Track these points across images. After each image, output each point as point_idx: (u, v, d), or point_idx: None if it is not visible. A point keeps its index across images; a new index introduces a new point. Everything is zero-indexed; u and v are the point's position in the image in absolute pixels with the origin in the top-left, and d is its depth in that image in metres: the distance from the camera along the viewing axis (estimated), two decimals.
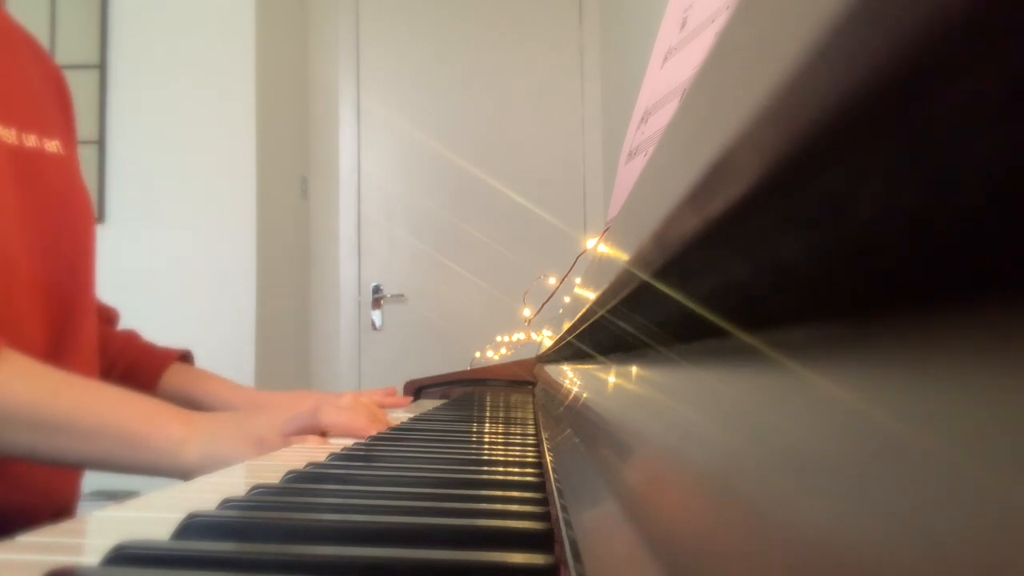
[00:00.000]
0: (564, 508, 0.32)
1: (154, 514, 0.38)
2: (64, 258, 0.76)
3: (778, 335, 0.16)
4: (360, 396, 0.85)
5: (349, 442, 0.62)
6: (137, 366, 0.90)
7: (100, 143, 2.28)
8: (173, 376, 0.91)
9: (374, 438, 0.64)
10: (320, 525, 0.31)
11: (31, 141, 0.75)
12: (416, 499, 0.38)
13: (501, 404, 1.04)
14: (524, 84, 2.98)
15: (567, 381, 0.71)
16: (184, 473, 0.62)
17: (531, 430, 0.71)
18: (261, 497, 0.37)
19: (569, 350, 0.76)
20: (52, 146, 0.78)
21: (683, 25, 0.62)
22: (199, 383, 0.93)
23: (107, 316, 0.95)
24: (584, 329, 0.53)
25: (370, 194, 2.98)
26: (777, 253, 0.15)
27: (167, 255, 2.33)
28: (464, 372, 1.59)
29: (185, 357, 0.95)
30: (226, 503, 0.35)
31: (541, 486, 0.41)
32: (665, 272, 0.22)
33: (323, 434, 0.70)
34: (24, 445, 0.59)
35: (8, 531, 0.32)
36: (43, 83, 0.83)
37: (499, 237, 2.87)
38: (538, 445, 0.59)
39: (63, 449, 0.60)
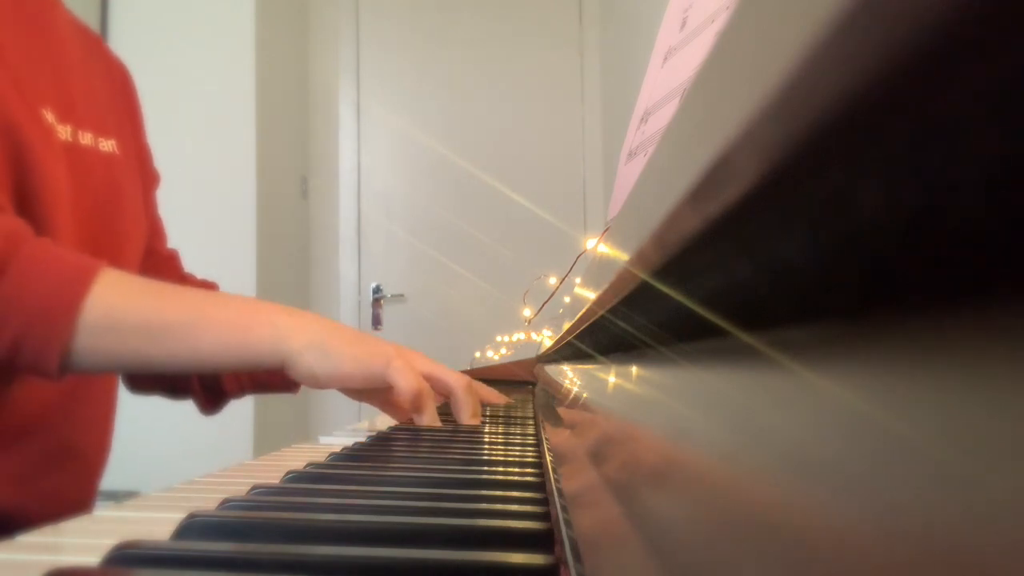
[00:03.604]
0: (564, 508, 0.32)
1: (154, 514, 0.38)
2: (109, 259, 0.76)
3: (778, 335, 0.16)
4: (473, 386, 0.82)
5: (349, 441, 0.62)
6: None
7: None
8: None
9: (373, 438, 0.64)
10: (320, 525, 0.31)
11: (86, 139, 0.75)
12: (416, 499, 0.38)
13: (501, 404, 1.04)
14: (524, 84, 2.98)
15: (567, 381, 0.71)
16: (287, 358, 0.61)
17: (531, 430, 0.71)
18: (261, 497, 0.37)
19: (569, 350, 0.76)
20: (107, 146, 0.78)
21: (683, 25, 0.62)
22: None
23: (211, 288, 0.96)
24: (584, 329, 0.53)
25: (370, 194, 2.99)
26: (777, 253, 0.15)
27: None
28: (464, 372, 1.59)
29: None
30: (226, 503, 0.35)
31: (541, 486, 0.41)
32: (665, 272, 0.22)
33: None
34: (129, 352, 0.59)
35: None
36: (104, 81, 0.83)
37: (499, 237, 2.87)
38: (538, 445, 0.59)
39: (167, 350, 0.59)
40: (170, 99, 2.38)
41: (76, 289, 0.56)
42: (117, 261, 0.77)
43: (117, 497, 0.47)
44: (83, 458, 0.75)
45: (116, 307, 0.58)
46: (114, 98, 0.84)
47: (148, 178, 0.89)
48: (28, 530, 0.33)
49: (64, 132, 0.72)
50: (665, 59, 0.65)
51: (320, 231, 2.99)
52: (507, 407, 0.99)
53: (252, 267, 2.39)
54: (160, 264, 0.91)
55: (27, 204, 0.64)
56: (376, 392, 0.68)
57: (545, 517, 0.33)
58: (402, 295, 2.97)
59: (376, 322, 2.97)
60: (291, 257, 2.80)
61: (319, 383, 0.63)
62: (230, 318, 0.61)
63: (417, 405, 0.67)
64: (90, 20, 2.36)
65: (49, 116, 0.70)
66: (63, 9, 0.79)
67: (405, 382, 0.64)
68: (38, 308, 0.55)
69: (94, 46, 0.85)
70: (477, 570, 0.26)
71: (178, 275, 0.94)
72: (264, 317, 0.62)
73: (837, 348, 0.13)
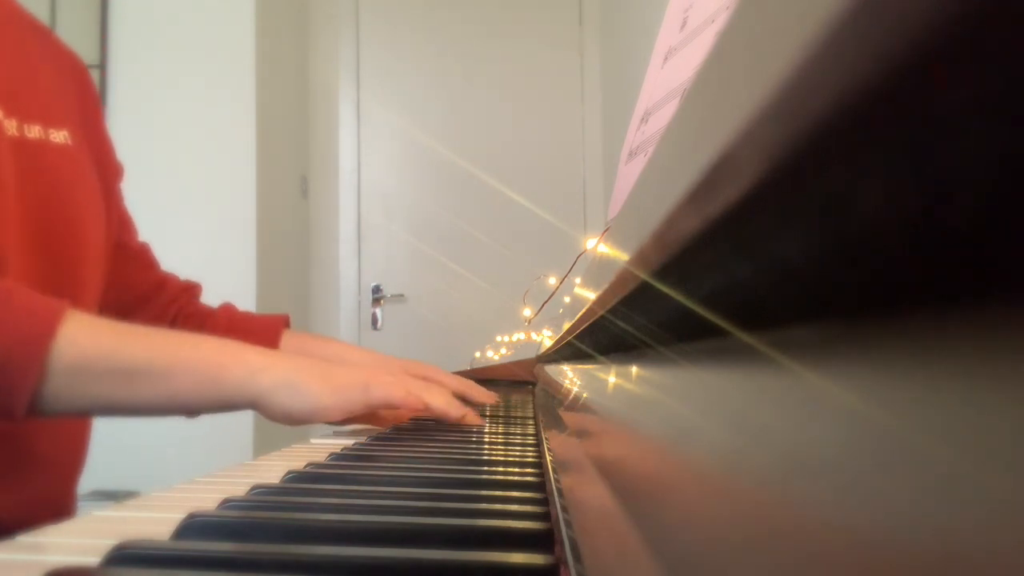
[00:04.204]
0: (564, 508, 0.32)
1: (154, 514, 0.38)
2: (62, 253, 0.74)
3: (778, 335, 0.16)
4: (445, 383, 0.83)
5: (349, 442, 0.62)
6: (249, 339, 0.90)
7: None
8: (291, 343, 0.91)
9: (374, 438, 0.64)
10: (320, 525, 0.31)
11: (34, 132, 0.73)
12: (416, 499, 0.38)
13: (501, 404, 1.04)
14: (524, 84, 2.98)
15: (567, 381, 0.71)
16: (257, 398, 0.60)
17: (531, 430, 0.71)
18: (261, 497, 0.37)
19: (569, 350, 0.76)
20: (59, 137, 0.76)
21: (683, 25, 0.62)
22: (319, 345, 0.92)
23: (195, 292, 0.94)
24: (584, 329, 0.53)
25: (370, 194, 2.99)
26: (777, 253, 0.15)
27: (166, 255, 2.33)
28: (464, 372, 1.59)
29: (287, 323, 0.94)
30: (226, 503, 0.35)
31: (541, 486, 0.41)
32: (665, 272, 0.22)
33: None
34: (99, 396, 0.57)
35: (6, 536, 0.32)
36: (54, 72, 0.81)
37: (499, 237, 2.87)
38: (538, 445, 0.59)
39: (139, 393, 0.58)
40: (170, 99, 2.38)
41: (43, 333, 0.54)
42: (74, 250, 0.75)
43: (117, 497, 0.46)
44: (54, 465, 0.74)
45: (85, 351, 0.56)
46: (64, 89, 0.81)
47: (110, 170, 0.87)
48: (6, 534, 0.33)
49: (10, 127, 0.70)
50: (665, 59, 0.65)
51: (320, 231, 2.99)
52: (507, 407, 0.99)
53: (252, 267, 2.39)
54: (131, 259, 0.90)
55: None
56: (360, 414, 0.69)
57: (545, 517, 0.33)
58: (402, 295, 2.97)
59: (376, 322, 2.97)
60: (291, 257, 2.80)
61: (294, 420, 0.62)
62: (201, 359, 0.60)
63: (428, 402, 0.66)
64: (90, 20, 2.36)
65: None
66: (9, 1, 0.77)
67: (395, 395, 0.64)
68: (3, 352, 0.54)
69: (42, 38, 0.82)
70: (477, 570, 0.26)
71: (152, 270, 0.93)
72: (235, 357, 0.61)
73: (837, 348, 0.13)
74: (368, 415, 0.73)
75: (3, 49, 0.73)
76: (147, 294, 0.91)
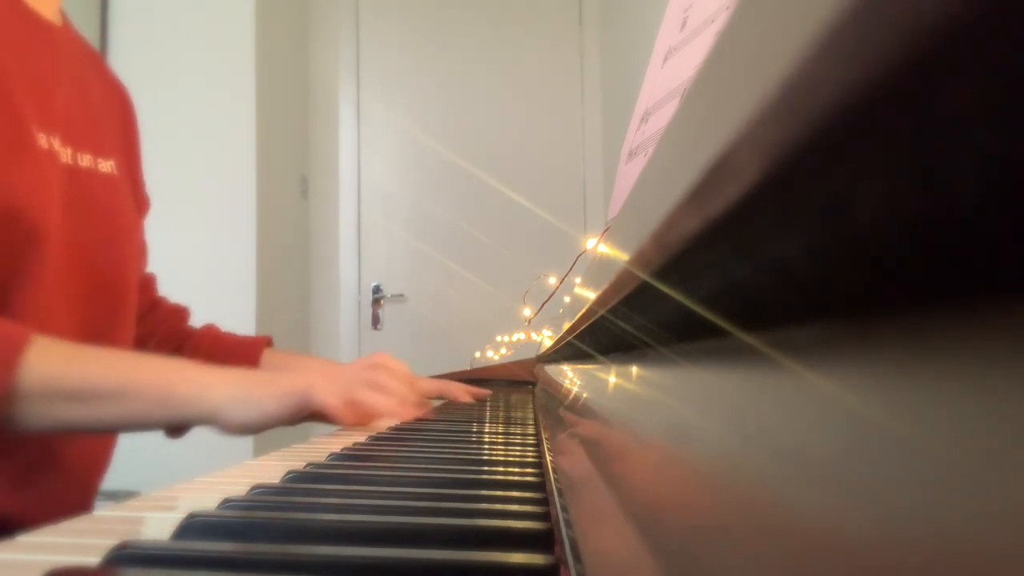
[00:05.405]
0: (564, 508, 0.32)
1: (154, 514, 0.38)
2: (104, 278, 0.77)
3: (778, 335, 0.16)
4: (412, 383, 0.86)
5: (349, 441, 0.62)
6: (233, 358, 0.92)
7: None
8: (271, 361, 0.94)
9: (374, 438, 0.64)
10: (320, 525, 0.31)
11: (86, 161, 0.76)
12: (416, 499, 0.38)
13: (501, 404, 1.04)
14: (524, 84, 2.98)
15: (567, 381, 0.71)
16: (211, 414, 0.63)
17: (531, 430, 0.71)
18: (261, 497, 0.37)
19: (569, 350, 0.76)
20: (106, 166, 0.79)
21: (683, 25, 0.62)
22: (297, 362, 0.96)
23: (182, 315, 0.97)
24: (584, 329, 0.53)
25: (370, 194, 2.99)
26: (777, 253, 0.15)
27: (167, 255, 2.33)
28: (464, 372, 1.59)
29: (270, 343, 0.97)
30: (226, 503, 0.35)
31: (541, 486, 0.41)
32: (665, 272, 0.22)
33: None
34: (62, 417, 0.60)
35: None
36: (104, 101, 0.84)
37: (499, 237, 2.87)
38: (538, 445, 0.60)
39: (99, 414, 0.61)
40: (170, 99, 2.38)
41: (9, 360, 0.57)
42: (116, 277, 0.78)
43: (117, 497, 0.47)
44: (77, 469, 0.75)
45: (48, 376, 0.59)
46: (112, 119, 0.84)
47: (140, 203, 0.90)
48: (26, 531, 0.33)
49: (65, 154, 0.73)
50: (665, 59, 0.65)
51: (320, 231, 2.99)
52: (507, 407, 0.99)
53: (252, 267, 2.39)
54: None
55: (6, 231, 0.65)
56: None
57: (545, 517, 0.33)
58: (402, 295, 2.97)
59: (376, 322, 2.97)
60: (291, 257, 2.80)
61: (250, 430, 0.65)
62: (152, 379, 0.63)
63: (353, 415, 0.70)
64: (90, 20, 2.36)
65: (55, 141, 0.71)
66: (69, 28, 0.79)
67: (328, 400, 0.67)
68: None
69: (96, 66, 0.86)
70: (477, 570, 0.26)
71: (148, 295, 0.95)
72: (184, 376, 0.64)
73: (837, 348, 0.13)
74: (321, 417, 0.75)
75: (66, 78, 0.76)
76: (138, 316, 0.92)
